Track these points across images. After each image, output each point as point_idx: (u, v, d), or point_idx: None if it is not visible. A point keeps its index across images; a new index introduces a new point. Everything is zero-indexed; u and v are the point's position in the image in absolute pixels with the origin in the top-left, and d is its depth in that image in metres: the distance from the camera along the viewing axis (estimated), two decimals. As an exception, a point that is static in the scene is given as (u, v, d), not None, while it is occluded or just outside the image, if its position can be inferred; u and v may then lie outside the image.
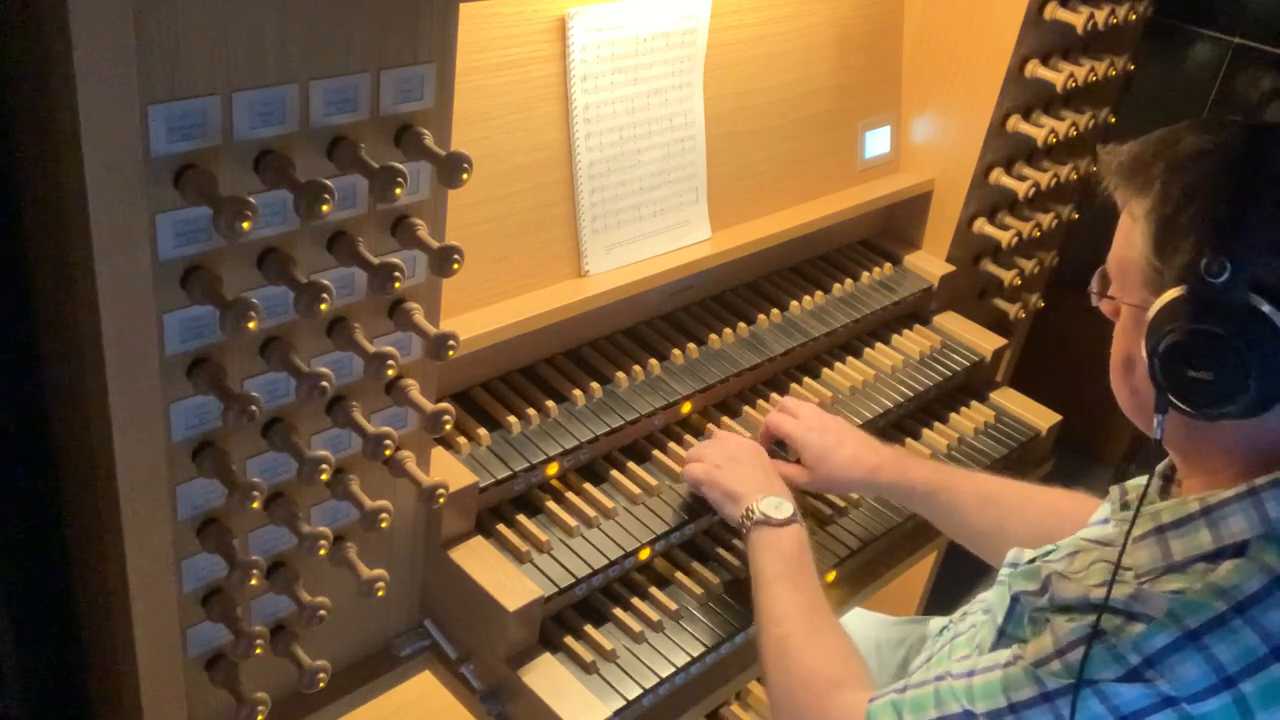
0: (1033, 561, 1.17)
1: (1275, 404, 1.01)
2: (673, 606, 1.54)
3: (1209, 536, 1.03)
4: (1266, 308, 0.97)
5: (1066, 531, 1.34)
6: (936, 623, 1.57)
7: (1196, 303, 1.00)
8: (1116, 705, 1.00)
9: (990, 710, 1.07)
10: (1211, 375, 1.00)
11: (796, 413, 1.68)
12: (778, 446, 1.69)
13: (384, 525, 1.22)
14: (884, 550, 1.79)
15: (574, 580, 1.46)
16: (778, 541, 1.44)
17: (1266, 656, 0.97)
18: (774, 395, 1.83)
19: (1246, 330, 0.98)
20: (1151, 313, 1.03)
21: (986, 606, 1.28)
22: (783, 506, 1.48)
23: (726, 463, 1.56)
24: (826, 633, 1.34)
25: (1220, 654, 0.97)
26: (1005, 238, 2.16)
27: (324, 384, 1.10)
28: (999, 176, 2.12)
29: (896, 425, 1.97)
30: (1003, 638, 1.14)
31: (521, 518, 1.51)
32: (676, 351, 1.75)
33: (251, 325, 1.03)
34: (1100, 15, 1.99)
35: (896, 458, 1.64)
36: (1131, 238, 1.08)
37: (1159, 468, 1.19)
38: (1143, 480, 1.23)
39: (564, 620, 1.50)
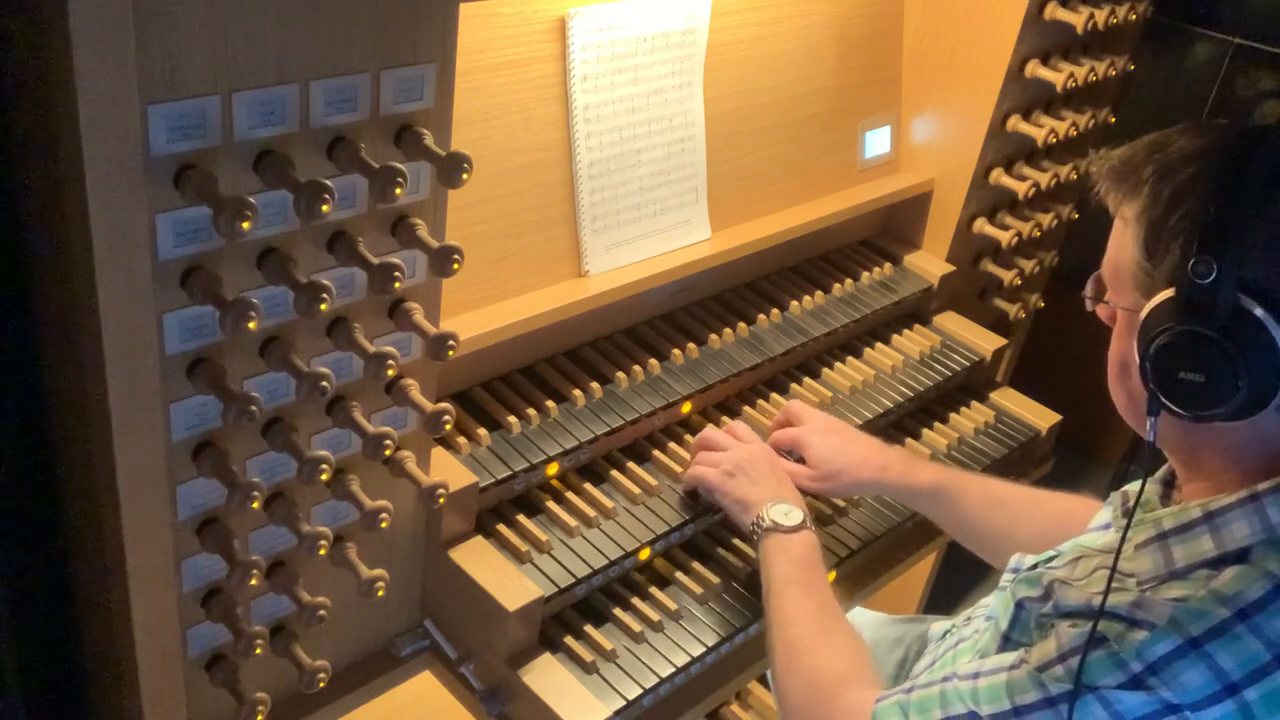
0: (1035, 568, 1.17)
1: (1270, 405, 1.01)
2: (673, 606, 1.54)
3: (1211, 542, 1.03)
4: (1257, 309, 0.97)
5: (1076, 535, 1.34)
6: (938, 625, 1.57)
7: (1185, 304, 1.00)
8: (1119, 712, 1.00)
9: (995, 713, 1.07)
10: (1202, 377, 1.00)
11: (803, 418, 1.69)
12: (786, 452, 1.69)
13: (384, 525, 1.22)
14: (884, 550, 1.79)
15: (574, 580, 1.46)
16: (787, 546, 1.45)
17: (1270, 663, 0.97)
18: (774, 395, 1.83)
19: (1235, 331, 0.98)
20: (1143, 315, 1.04)
21: (990, 613, 1.28)
22: (792, 513, 1.48)
23: (738, 470, 1.56)
24: (836, 633, 1.35)
25: (1223, 661, 0.97)
26: (1005, 238, 2.16)
27: (324, 384, 1.10)
28: (999, 176, 2.12)
29: (896, 425, 1.97)
30: (1007, 643, 1.14)
31: (521, 518, 1.51)
32: (676, 351, 1.75)
33: (251, 325, 1.03)
34: (1100, 15, 1.99)
35: (903, 459, 1.66)
36: (1123, 241, 1.08)
37: (1160, 474, 1.19)
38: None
39: (564, 620, 1.50)
